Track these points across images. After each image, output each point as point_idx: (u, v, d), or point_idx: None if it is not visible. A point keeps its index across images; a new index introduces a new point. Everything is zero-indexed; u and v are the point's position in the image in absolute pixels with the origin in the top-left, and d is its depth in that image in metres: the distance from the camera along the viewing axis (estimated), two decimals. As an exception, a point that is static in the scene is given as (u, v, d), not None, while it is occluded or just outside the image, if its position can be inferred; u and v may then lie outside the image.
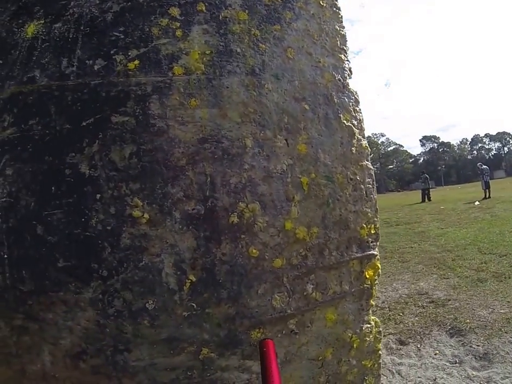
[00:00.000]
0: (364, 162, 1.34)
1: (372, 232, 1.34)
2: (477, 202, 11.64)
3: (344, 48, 1.38)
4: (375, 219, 1.36)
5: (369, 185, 1.35)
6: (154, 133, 1.06)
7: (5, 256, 1.09)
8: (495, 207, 9.92)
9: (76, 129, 1.09)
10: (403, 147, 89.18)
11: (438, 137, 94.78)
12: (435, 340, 2.69)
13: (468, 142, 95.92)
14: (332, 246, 1.24)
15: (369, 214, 1.34)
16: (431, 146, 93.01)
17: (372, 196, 1.35)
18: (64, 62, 1.16)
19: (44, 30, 1.22)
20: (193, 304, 1.07)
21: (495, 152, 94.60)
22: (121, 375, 1.11)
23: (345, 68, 1.36)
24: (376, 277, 1.37)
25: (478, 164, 17.24)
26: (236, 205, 1.09)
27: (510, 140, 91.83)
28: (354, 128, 1.32)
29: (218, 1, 1.25)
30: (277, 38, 1.25)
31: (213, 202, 1.07)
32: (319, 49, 1.32)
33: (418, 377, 2.29)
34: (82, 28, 1.20)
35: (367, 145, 1.37)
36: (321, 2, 1.40)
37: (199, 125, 1.08)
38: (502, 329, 2.64)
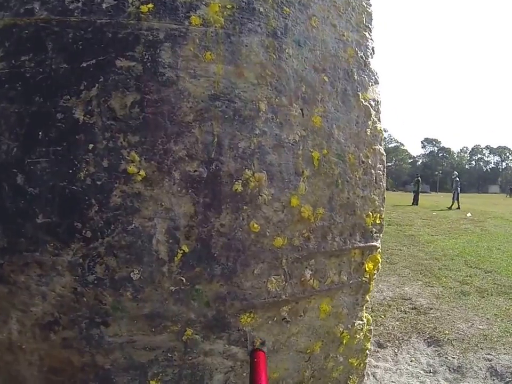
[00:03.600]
0: (377, 146, 1.26)
1: (377, 222, 1.26)
2: (469, 214, 11.58)
3: (369, 26, 1.29)
4: (381, 209, 1.28)
5: (380, 172, 1.27)
6: (162, 83, 0.94)
7: None
8: (486, 221, 9.94)
9: (74, 70, 0.96)
10: (404, 146, 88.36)
11: (440, 141, 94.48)
12: (413, 346, 2.68)
13: (468, 151, 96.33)
14: (335, 230, 1.15)
15: (376, 202, 1.25)
16: (432, 149, 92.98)
17: (381, 183, 1.27)
18: None
19: None
20: (183, 278, 0.95)
21: (493, 165, 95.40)
22: (95, 351, 0.99)
23: (369, 46, 1.27)
24: (375, 271, 1.29)
25: (454, 173, 17.39)
26: (241, 171, 0.98)
27: (510, 156, 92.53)
28: (371, 109, 1.24)
29: None
30: (302, 4, 1.14)
31: (218, 166, 0.96)
32: (343, 22, 1.22)
33: (392, 381, 2.27)
34: None
35: (381, 129, 1.28)
36: None
37: (212, 81, 0.97)
38: (478, 345, 2.66)
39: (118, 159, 0.91)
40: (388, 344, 2.70)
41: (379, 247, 1.28)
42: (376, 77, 1.27)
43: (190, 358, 1.01)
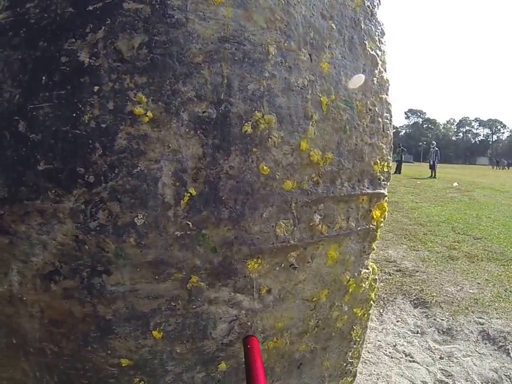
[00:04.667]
0: (384, 96, 1.25)
1: (385, 170, 1.25)
2: (455, 184, 11.61)
3: None
4: (389, 157, 1.27)
5: (387, 120, 1.26)
6: (171, 25, 0.92)
7: None
8: (474, 191, 9.95)
9: (80, 14, 0.94)
10: None
11: (425, 112, 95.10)
12: (398, 307, 2.69)
13: (455, 123, 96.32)
14: (344, 176, 1.13)
15: (384, 150, 1.25)
16: (416, 120, 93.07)
17: (388, 132, 1.26)
18: None
19: None
20: (189, 223, 0.92)
21: (482, 138, 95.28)
22: (96, 300, 0.96)
23: None
24: (382, 219, 1.28)
25: (432, 143, 17.30)
26: (251, 113, 0.96)
27: (501, 129, 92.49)
28: (377, 59, 1.23)
29: None
30: None
31: (227, 107, 0.93)
32: None
33: (378, 340, 2.30)
34: None
35: (388, 78, 1.29)
36: None
37: (222, 23, 0.95)
38: (469, 308, 2.67)
39: (124, 101, 0.89)
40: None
41: (386, 195, 1.27)
42: (382, 27, 1.27)
43: (194, 306, 0.98)
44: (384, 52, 1.26)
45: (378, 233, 1.28)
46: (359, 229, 1.19)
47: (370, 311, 1.34)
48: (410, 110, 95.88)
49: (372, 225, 1.23)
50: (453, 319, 2.51)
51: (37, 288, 0.96)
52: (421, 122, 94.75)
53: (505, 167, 47.20)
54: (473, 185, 11.48)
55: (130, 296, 0.94)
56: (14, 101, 0.92)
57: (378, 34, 1.24)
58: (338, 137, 1.10)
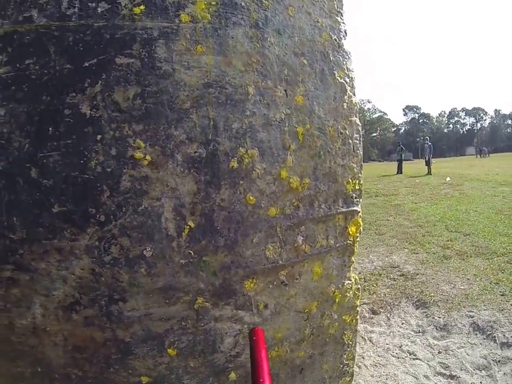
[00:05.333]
0: (353, 118, 1.40)
1: (357, 187, 1.39)
2: (448, 179, 11.86)
3: (341, 11, 1.43)
4: (360, 175, 1.41)
5: (357, 141, 1.40)
6: (160, 75, 1.05)
7: None
8: (463, 184, 10.24)
9: (77, 70, 1.06)
10: (387, 115, 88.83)
11: (420, 107, 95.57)
12: (403, 310, 2.91)
13: (446, 115, 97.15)
14: (321, 198, 1.27)
15: (355, 169, 1.39)
16: (413, 116, 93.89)
17: (358, 151, 1.40)
18: (64, 3, 1.12)
19: None
20: (191, 252, 1.06)
21: (469, 127, 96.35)
22: (115, 326, 1.09)
23: (341, 30, 1.41)
24: (358, 234, 1.42)
25: (426, 139, 17.68)
26: (236, 149, 1.10)
27: (484, 116, 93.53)
28: (346, 85, 1.37)
29: None
30: None
31: (215, 146, 1.07)
32: (317, 10, 1.35)
33: (387, 344, 2.49)
34: None
35: (356, 102, 1.43)
36: None
37: (205, 70, 1.08)
38: (461, 304, 2.89)
39: (125, 147, 1.02)
40: (381, 310, 2.96)
41: (359, 211, 1.41)
42: (349, 56, 1.41)
43: (202, 324, 1.11)
44: (352, 78, 1.39)
45: (356, 247, 1.41)
46: (338, 245, 1.33)
47: (357, 317, 1.49)
48: (407, 107, 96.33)
49: (349, 240, 1.37)
50: (448, 316, 2.73)
51: (60, 319, 1.08)
52: (417, 118, 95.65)
53: (487, 155, 48.21)
54: (462, 178, 11.83)
55: (145, 319, 1.07)
56: (24, 150, 1.04)
57: (346, 63, 1.37)
58: (314, 163, 1.24)
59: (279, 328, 1.22)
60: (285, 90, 1.18)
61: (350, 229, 1.35)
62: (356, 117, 1.40)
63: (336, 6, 1.38)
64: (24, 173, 1.03)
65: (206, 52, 1.08)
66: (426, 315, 2.79)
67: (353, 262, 1.42)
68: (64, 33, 1.08)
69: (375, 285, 3.41)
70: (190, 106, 1.04)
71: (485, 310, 2.75)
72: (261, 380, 0.74)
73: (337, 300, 1.35)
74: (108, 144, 1.01)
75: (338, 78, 1.32)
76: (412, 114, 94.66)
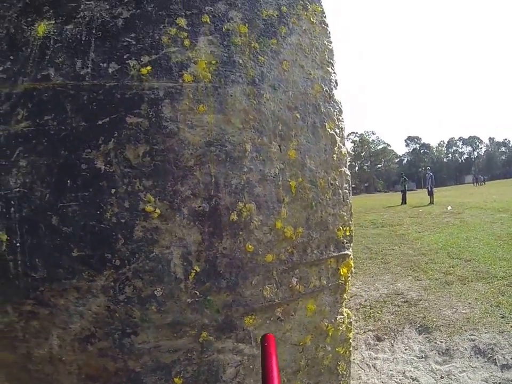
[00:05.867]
0: (343, 169, 1.57)
1: (347, 234, 1.57)
2: (449, 207, 12.53)
3: (332, 61, 1.59)
4: (350, 222, 1.58)
5: (346, 191, 1.58)
6: (166, 135, 1.23)
7: (17, 244, 1.22)
8: (464, 212, 11.02)
9: (91, 127, 1.23)
10: (390, 146, 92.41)
11: (420, 138, 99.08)
12: (406, 336, 3.15)
13: (445, 145, 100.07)
14: (313, 244, 1.45)
15: (345, 217, 1.56)
16: (414, 147, 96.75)
17: (347, 200, 1.58)
18: (78, 63, 1.29)
19: (55, 31, 1.34)
20: (197, 292, 1.26)
21: (466, 156, 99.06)
22: (127, 357, 1.26)
23: (332, 80, 1.58)
24: (349, 274, 1.60)
25: (427, 169, 18.60)
26: (236, 204, 1.28)
27: (479, 145, 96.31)
28: (336, 136, 1.54)
29: (221, 14, 1.42)
30: (274, 51, 1.44)
31: (217, 201, 1.26)
32: (310, 62, 1.52)
33: (390, 370, 2.70)
34: (94, 31, 1.33)
35: (346, 152, 1.59)
36: (311, 19, 1.60)
37: (206, 129, 1.26)
38: (462, 328, 3.14)
39: (137, 200, 1.20)
40: (385, 337, 3.20)
41: (351, 254, 1.58)
42: (340, 106, 1.57)
43: (206, 356, 1.30)
44: (342, 128, 1.56)
45: (348, 286, 1.59)
46: (330, 284, 1.52)
47: (350, 348, 1.66)
48: (409, 137, 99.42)
49: (341, 280, 1.56)
50: (450, 340, 2.96)
51: (75, 350, 1.26)
52: (418, 148, 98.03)
53: (483, 183, 50.82)
54: (463, 206, 12.65)
55: (154, 351, 1.26)
56: (45, 199, 1.22)
57: (336, 114, 1.54)
58: (306, 213, 1.42)
59: None
60: (279, 146, 1.36)
61: (341, 270, 1.53)
62: (346, 167, 1.56)
63: (327, 56, 1.55)
64: (46, 220, 1.20)
65: (207, 110, 1.26)
66: (428, 340, 3.02)
67: (346, 299, 1.59)
68: (79, 92, 1.25)
69: (380, 312, 3.71)
70: (193, 164, 1.22)
71: (485, 333, 2.99)
72: None
73: (330, 333, 1.53)
74: (122, 198, 1.19)
75: (329, 130, 1.49)
76: (413, 145, 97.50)
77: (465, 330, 3.09)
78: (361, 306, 4.01)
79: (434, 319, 3.37)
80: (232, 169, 1.29)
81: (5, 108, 1.28)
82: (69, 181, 1.23)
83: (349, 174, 1.61)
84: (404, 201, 18.22)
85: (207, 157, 1.26)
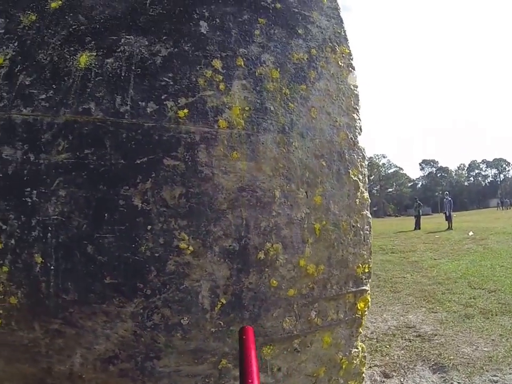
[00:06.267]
0: (365, 212, 1.73)
1: (366, 271, 1.74)
2: (471, 233, 12.34)
3: (357, 107, 1.74)
4: (369, 260, 1.75)
5: (367, 232, 1.74)
6: (201, 179, 1.37)
7: (51, 267, 1.33)
8: (488, 238, 10.70)
9: (130, 166, 1.36)
10: (403, 170, 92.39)
11: (437, 161, 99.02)
12: (418, 375, 2.98)
13: (465, 168, 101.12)
14: (333, 280, 1.61)
15: (365, 255, 1.73)
16: (430, 170, 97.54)
17: (368, 240, 1.74)
18: (118, 100, 1.41)
19: (96, 63, 1.43)
20: (221, 322, 1.40)
21: (491, 179, 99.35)
22: (146, 379, 1.39)
23: (357, 127, 1.73)
24: (366, 309, 1.76)
25: (445, 193, 18.97)
26: (263, 244, 1.43)
27: (506, 167, 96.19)
28: (359, 182, 1.70)
29: (254, 57, 1.55)
30: (303, 97, 1.59)
31: (246, 241, 1.41)
32: (336, 108, 1.67)
33: None
34: (133, 67, 1.44)
35: (368, 197, 1.74)
36: (339, 62, 1.75)
37: (239, 175, 1.41)
38: (484, 368, 2.95)
39: (172, 238, 1.33)
40: (394, 374, 3.01)
41: (368, 290, 1.73)
42: (363, 153, 1.72)
43: (223, 382, 1.43)
44: (365, 174, 1.70)
45: (364, 320, 1.74)
46: (347, 318, 1.67)
47: (363, 383, 1.81)
48: (424, 161, 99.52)
49: (358, 314, 1.71)
50: (469, 381, 2.75)
51: (97, 369, 1.38)
52: (434, 172, 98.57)
53: (510, 206, 48.33)
54: (487, 232, 12.25)
55: (174, 375, 1.39)
56: (82, 229, 1.34)
57: (360, 160, 1.69)
58: (328, 252, 1.57)
59: None
60: (306, 192, 1.51)
61: (359, 304, 1.69)
62: (367, 210, 1.71)
63: (353, 102, 1.69)
64: (81, 247, 1.32)
65: (240, 157, 1.40)
66: (444, 380, 2.83)
67: (361, 333, 1.74)
68: (118, 129, 1.37)
69: (388, 346, 3.49)
70: (226, 208, 1.36)
71: (510, 374, 2.81)
72: (250, 381, 0.80)
73: (344, 366, 1.68)
74: (157, 234, 1.32)
75: (353, 176, 1.64)
76: (429, 168, 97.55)
77: (486, 371, 2.89)
78: (367, 338, 3.74)
79: (452, 357, 3.17)
80: (262, 213, 1.44)
81: (46, 137, 1.39)
82: (106, 214, 1.35)
83: (370, 217, 1.77)
84: (417, 226, 18.21)
85: (239, 202, 1.41)
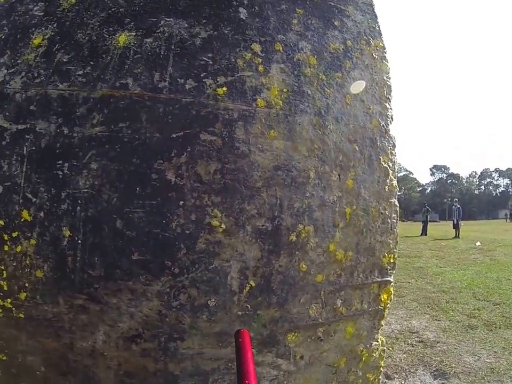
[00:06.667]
0: (393, 200, 1.69)
1: (391, 261, 1.69)
2: (478, 243, 12.13)
3: (389, 97, 1.72)
4: (395, 250, 1.70)
5: (394, 220, 1.70)
6: (237, 155, 1.33)
7: (79, 241, 1.30)
8: (495, 250, 10.56)
9: (165, 139, 1.33)
10: (413, 174, 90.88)
11: (448, 167, 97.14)
12: (419, 379, 2.99)
13: (477, 176, 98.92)
14: (360, 268, 1.57)
15: (391, 245, 1.68)
16: (440, 176, 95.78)
17: (394, 229, 1.70)
18: (156, 76, 1.39)
19: (135, 42, 1.43)
20: (248, 306, 1.34)
21: (503, 189, 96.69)
22: (168, 359, 1.34)
23: (389, 116, 1.71)
24: (389, 301, 1.71)
25: (455, 201, 18.55)
26: (296, 225, 1.39)
27: None
28: (389, 169, 1.67)
29: (292, 43, 1.54)
30: (338, 84, 1.56)
31: (279, 221, 1.36)
32: (369, 97, 1.65)
33: None
34: (173, 47, 1.43)
35: (396, 184, 1.71)
36: (373, 54, 1.73)
37: (275, 154, 1.37)
38: (485, 378, 2.94)
39: (204, 214, 1.29)
40: (395, 376, 3.02)
41: (392, 281, 1.69)
42: (394, 141, 1.70)
43: None
44: (394, 162, 1.68)
45: (386, 312, 1.69)
46: (370, 309, 1.62)
47: (380, 376, 1.76)
48: (435, 166, 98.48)
49: (380, 306, 1.66)
50: None
51: (119, 347, 1.33)
52: (445, 178, 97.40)
53: None
54: (494, 244, 12.10)
55: (197, 357, 1.34)
56: (112, 203, 1.30)
57: (390, 148, 1.66)
58: (357, 238, 1.53)
59: (309, 378, 1.49)
60: (339, 175, 1.47)
61: (382, 296, 1.64)
62: (395, 198, 1.68)
63: (385, 92, 1.68)
64: (110, 222, 1.29)
65: (277, 136, 1.37)
66: None
67: (382, 326, 1.69)
68: (156, 104, 1.34)
69: (390, 349, 3.46)
70: (261, 186, 1.32)
71: None
72: (247, 382, 0.81)
73: (363, 358, 1.63)
74: (189, 210, 1.28)
75: (383, 163, 1.61)
76: (440, 174, 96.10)
77: (488, 381, 2.89)
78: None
79: (453, 365, 3.17)
80: (296, 194, 1.40)
81: (81, 111, 1.37)
82: (138, 188, 1.32)
83: (398, 205, 1.73)
84: (424, 232, 18.00)
85: (274, 180, 1.37)
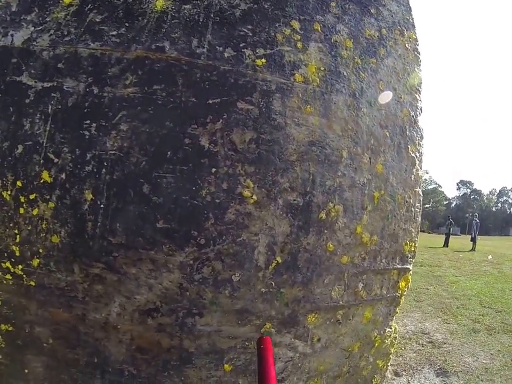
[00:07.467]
0: (417, 189, 1.65)
1: (412, 249, 1.65)
2: (490, 257, 12.51)
3: (419, 89, 1.70)
4: (416, 239, 1.66)
5: (417, 209, 1.66)
6: (274, 126, 1.26)
7: (101, 206, 1.21)
8: (504, 263, 11.00)
9: (201, 105, 1.25)
10: (441, 187, 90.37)
11: (473, 183, 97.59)
12: (424, 376, 3.12)
13: (496, 193, 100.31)
14: (383, 254, 1.51)
15: (413, 233, 1.64)
16: (465, 191, 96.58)
17: (417, 218, 1.66)
18: (194, 42, 1.31)
19: (173, 7, 1.35)
20: (272, 283, 1.26)
21: None
22: (184, 336, 1.25)
23: (418, 107, 1.68)
24: (406, 289, 1.67)
25: (475, 215, 19.12)
26: (326, 204, 1.32)
27: None
28: (416, 159, 1.63)
29: (330, 25, 1.48)
30: (373, 69, 1.52)
31: (310, 197, 1.29)
32: (401, 86, 1.61)
33: None
34: (212, 15, 1.35)
35: (421, 174, 1.68)
36: (406, 45, 1.70)
37: (311, 129, 1.30)
38: (479, 377, 3.12)
39: (236, 184, 1.21)
40: (404, 373, 3.13)
41: (411, 270, 1.66)
42: (422, 132, 1.67)
43: None
44: (421, 153, 1.65)
45: (402, 299, 1.65)
46: (388, 296, 1.57)
47: (389, 363, 1.72)
48: (461, 181, 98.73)
49: (398, 293, 1.62)
50: None
51: (134, 321, 1.24)
52: (469, 194, 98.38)
53: None
54: (503, 258, 12.49)
55: (214, 335, 1.25)
56: (140, 166, 1.21)
57: (418, 139, 1.63)
58: (383, 224, 1.48)
59: (323, 362, 1.43)
60: (370, 158, 1.42)
61: (400, 283, 1.60)
62: (420, 188, 1.65)
63: (416, 83, 1.65)
64: (137, 186, 1.20)
65: (313, 112, 1.31)
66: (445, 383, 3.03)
67: (397, 313, 1.66)
68: (193, 69, 1.27)
69: (403, 348, 3.62)
70: (295, 159, 1.26)
71: None
72: None
73: (376, 344, 1.58)
74: (221, 178, 1.20)
75: (411, 152, 1.58)
76: (465, 189, 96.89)
77: (481, 380, 3.06)
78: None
79: (455, 364, 3.34)
80: (329, 171, 1.34)
81: (114, 71, 1.28)
82: (169, 153, 1.23)
83: (421, 195, 1.69)
84: (446, 244, 18.28)
85: (308, 155, 1.30)
